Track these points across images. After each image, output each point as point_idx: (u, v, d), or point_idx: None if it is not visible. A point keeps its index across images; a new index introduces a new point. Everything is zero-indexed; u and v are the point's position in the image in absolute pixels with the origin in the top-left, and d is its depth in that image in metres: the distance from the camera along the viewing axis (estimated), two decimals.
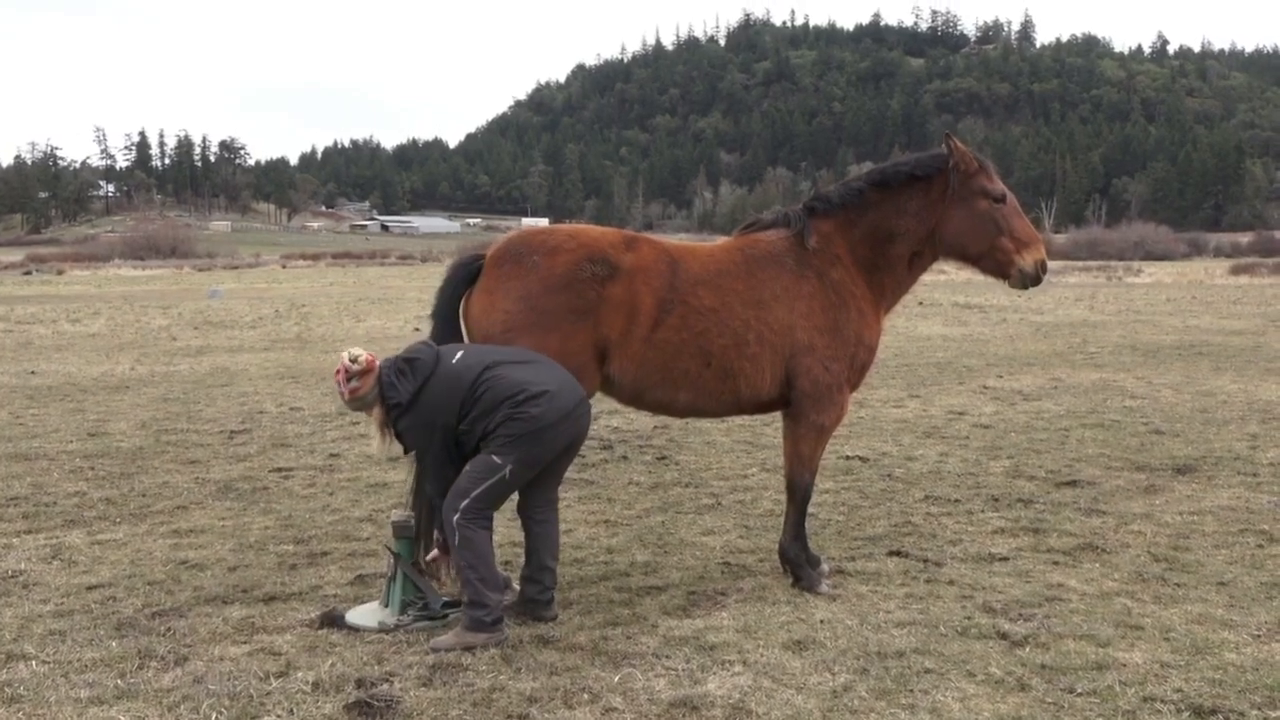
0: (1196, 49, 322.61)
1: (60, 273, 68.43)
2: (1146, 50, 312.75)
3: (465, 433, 5.00)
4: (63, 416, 11.82)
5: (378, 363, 5.06)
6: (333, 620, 5.23)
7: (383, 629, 5.16)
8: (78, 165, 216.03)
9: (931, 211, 5.86)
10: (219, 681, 4.53)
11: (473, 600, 4.93)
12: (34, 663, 4.77)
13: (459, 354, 5.11)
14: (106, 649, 4.91)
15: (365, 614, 5.30)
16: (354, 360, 5.00)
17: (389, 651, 4.89)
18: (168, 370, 16.44)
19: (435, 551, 5.34)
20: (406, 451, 5.21)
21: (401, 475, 8.38)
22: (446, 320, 5.57)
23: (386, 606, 5.31)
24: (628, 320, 5.44)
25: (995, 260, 5.87)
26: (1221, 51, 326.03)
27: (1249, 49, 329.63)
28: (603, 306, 5.39)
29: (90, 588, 5.84)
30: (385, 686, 4.48)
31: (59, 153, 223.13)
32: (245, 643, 5.00)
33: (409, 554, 5.42)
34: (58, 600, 5.64)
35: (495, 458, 4.91)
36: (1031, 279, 5.87)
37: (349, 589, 5.83)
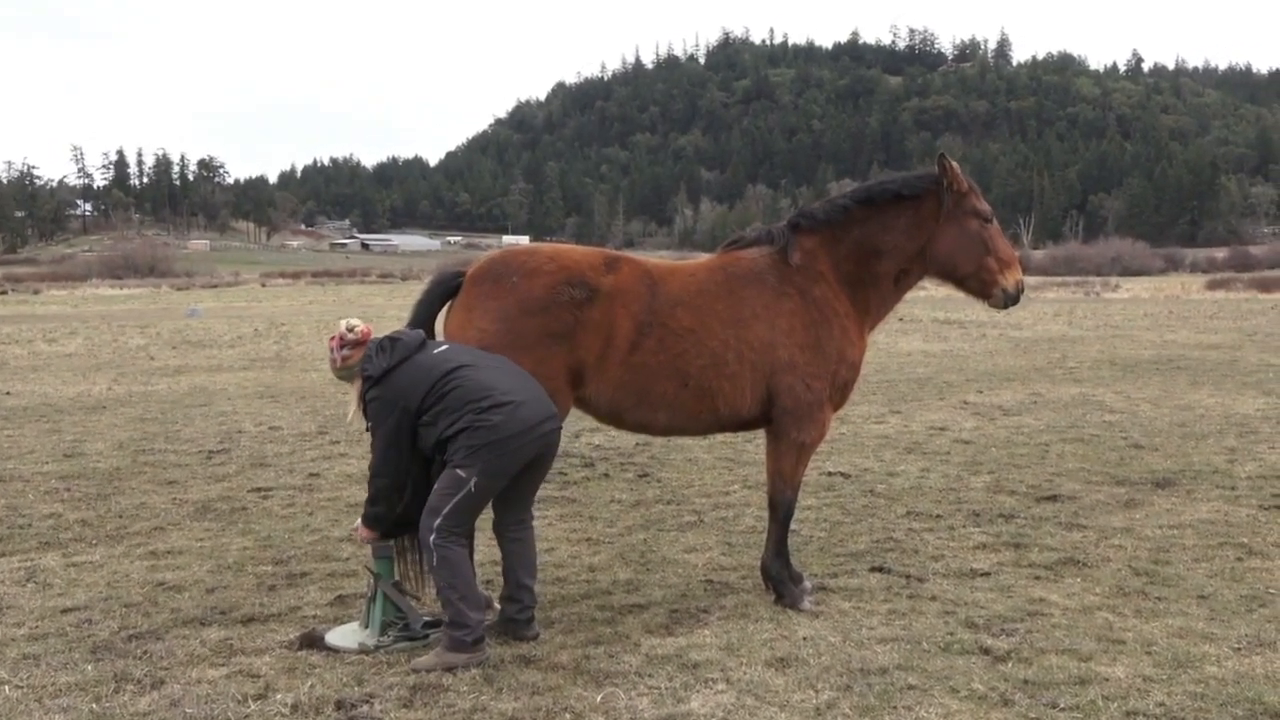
0: (1171, 66, 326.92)
1: (37, 292, 68.02)
2: (1122, 68, 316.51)
3: (426, 425, 4.99)
4: (38, 437, 11.71)
5: (372, 336, 5.18)
6: (312, 641, 5.18)
7: (363, 650, 5.11)
8: (55, 184, 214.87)
9: (922, 229, 5.89)
10: (196, 705, 4.47)
11: (453, 620, 4.90)
12: (7, 688, 4.69)
13: (443, 347, 5.21)
14: (82, 673, 4.85)
15: (345, 635, 5.25)
16: (351, 329, 5.17)
17: (369, 673, 4.84)
18: (145, 390, 16.32)
19: (359, 524, 5.30)
20: (367, 427, 5.21)
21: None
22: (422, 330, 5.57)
23: (366, 627, 5.27)
24: (604, 343, 5.43)
25: (980, 280, 5.92)
26: (1195, 69, 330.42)
27: (1222, 66, 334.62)
28: (579, 330, 5.38)
29: (65, 610, 5.77)
30: (365, 708, 4.44)
31: (35, 172, 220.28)
32: (223, 665, 4.94)
33: (389, 574, 5.38)
34: (32, 624, 5.57)
35: (460, 471, 4.91)
36: (1012, 299, 5.95)
37: (328, 610, 5.78)
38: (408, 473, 5.10)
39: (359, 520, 5.32)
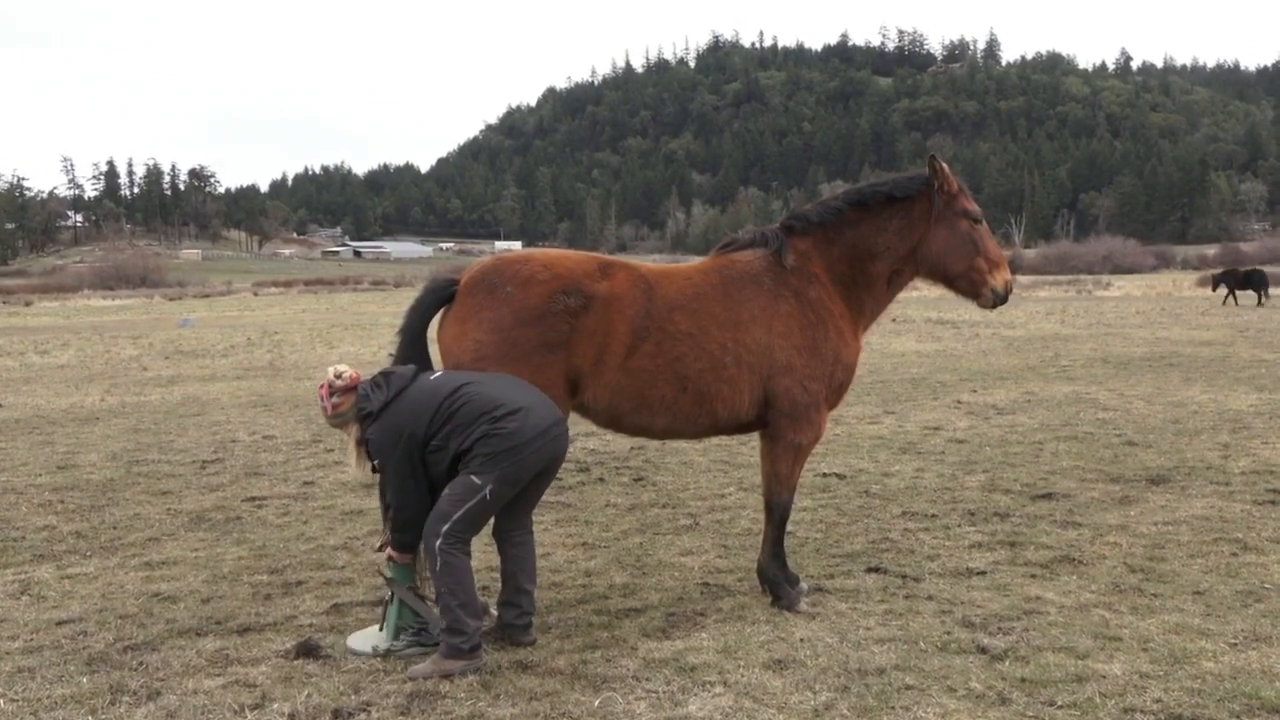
0: (1159, 65, 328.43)
1: (28, 304, 67.87)
2: (1110, 67, 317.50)
3: (437, 450, 4.97)
4: (31, 449, 11.66)
5: (361, 380, 5.13)
6: (309, 650, 5.17)
7: (375, 654, 5.13)
8: (45, 195, 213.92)
9: (914, 230, 5.91)
10: (193, 716, 4.46)
11: (451, 627, 4.89)
12: (2, 701, 4.67)
13: (438, 374, 5.21)
14: (77, 685, 4.82)
15: (364, 638, 5.27)
16: (338, 376, 5.12)
17: (366, 681, 4.83)
18: (138, 401, 16.28)
19: (389, 551, 5.31)
20: (373, 467, 5.17)
21: (376, 502, 8.30)
22: (415, 338, 5.55)
23: (382, 631, 5.28)
24: (600, 350, 5.41)
25: (970, 280, 5.94)
26: (1184, 67, 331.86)
27: (1210, 64, 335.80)
28: (575, 338, 5.36)
29: (60, 623, 5.74)
30: (363, 716, 4.43)
31: (25, 183, 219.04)
32: (219, 675, 4.92)
33: (406, 579, 5.37)
34: (27, 636, 5.54)
35: (475, 478, 4.89)
36: (1000, 299, 5.99)
37: (325, 618, 5.76)
38: (428, 497, 5.08)
39: (389, 548, 5.30)
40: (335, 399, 5.09)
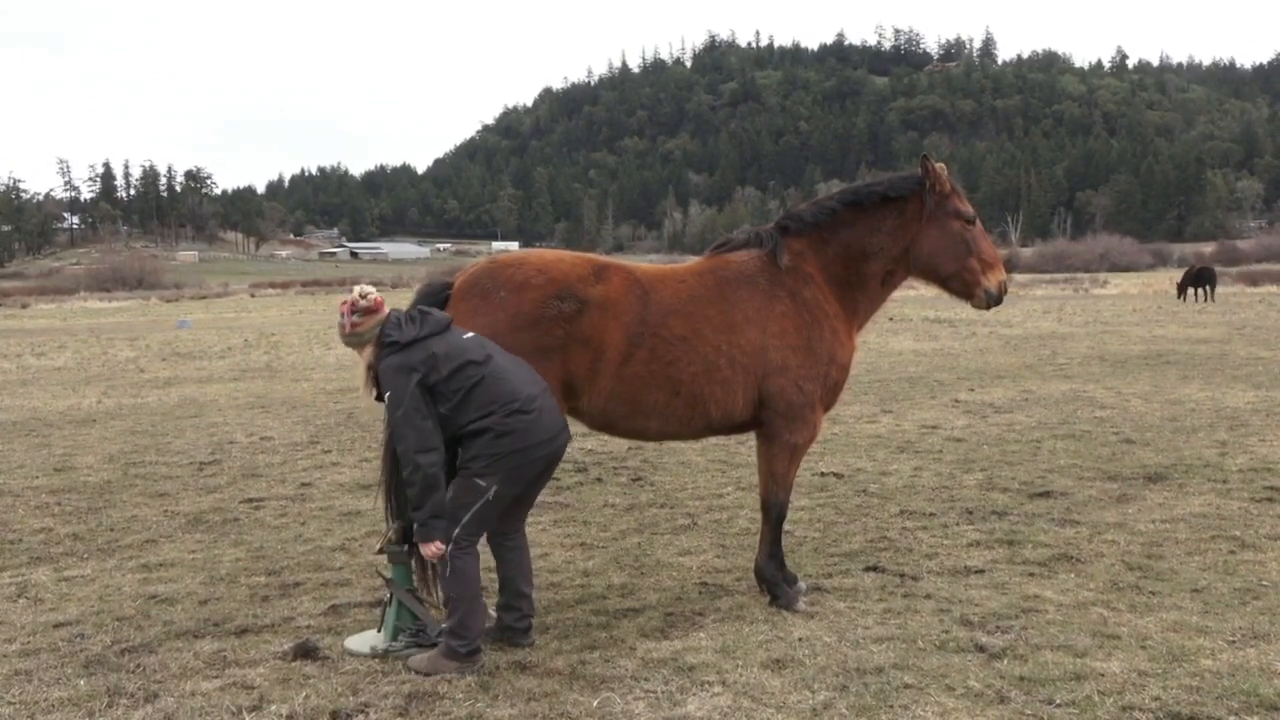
0: (1155, 63, 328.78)
1: (25, 306, 67.85)
2: (1106, 65, 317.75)
3: (444, 418, 4.89)
4: (28, 452, 11.65)
5: (386, 308, 5.07)
6: (307, 651, 5.16)
7: (373, 655, 5.13)
8: (41, 198, 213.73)
9: (906, 230, 5.90)
10: (190, 718, 4.45)
11: (454, 629, 4.90)
12: None
13: (470, 334, 5.10)
14: (74, 688, 4.81)
15: (362, 640, 5.27)
16: (363, 296, 5.06)
17: (364, 682, 4.82)
18: (135, 402, 16.26)
19: (397, 526, 5.31)
20: (379, 396, 5.06)
21: (374, 503, 8.29)
22: None
23: (380, 632, 5.28)
24: (595, 356, 5.40)
25: (963, 280, 5.94)
26: (1180, 65, 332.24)
27: (1206, 62, 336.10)
28: (570, 344, 5.34)
29: (57, 625, 5.73)
30: (360, 718, 4.42)
31: (22, 185, 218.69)
32: (217, 677, 4.92)
33: (405, 581, 5.36)
34: (24, 639, 5.53)
35: (479, 480, 4.88)
36: (994, 300, 5.99)
37: (322, 620, 5.75)
38: (437, 431, 4.90)
39: (414, 538, 5.13)
40: (356, 317, 5.01)
